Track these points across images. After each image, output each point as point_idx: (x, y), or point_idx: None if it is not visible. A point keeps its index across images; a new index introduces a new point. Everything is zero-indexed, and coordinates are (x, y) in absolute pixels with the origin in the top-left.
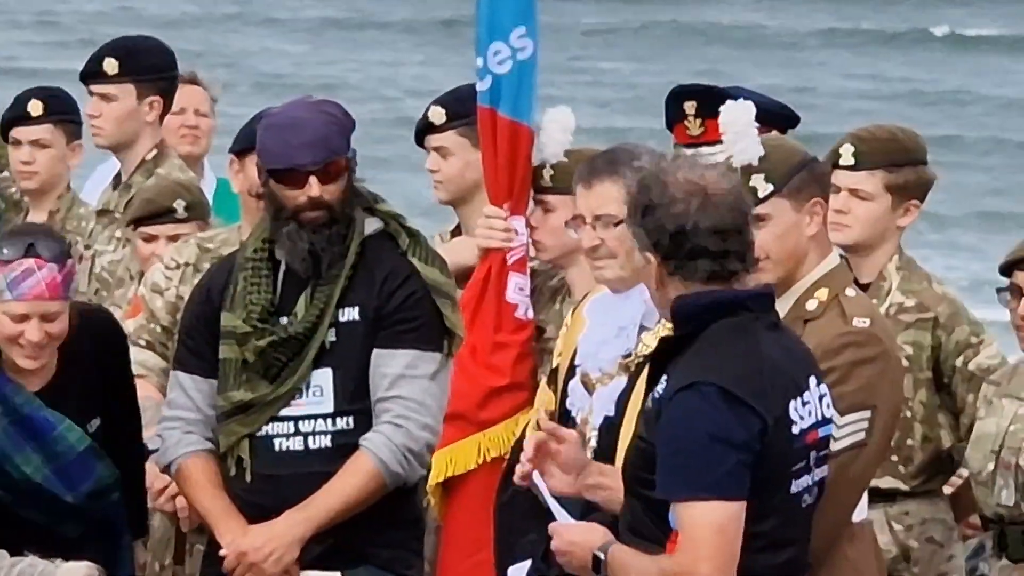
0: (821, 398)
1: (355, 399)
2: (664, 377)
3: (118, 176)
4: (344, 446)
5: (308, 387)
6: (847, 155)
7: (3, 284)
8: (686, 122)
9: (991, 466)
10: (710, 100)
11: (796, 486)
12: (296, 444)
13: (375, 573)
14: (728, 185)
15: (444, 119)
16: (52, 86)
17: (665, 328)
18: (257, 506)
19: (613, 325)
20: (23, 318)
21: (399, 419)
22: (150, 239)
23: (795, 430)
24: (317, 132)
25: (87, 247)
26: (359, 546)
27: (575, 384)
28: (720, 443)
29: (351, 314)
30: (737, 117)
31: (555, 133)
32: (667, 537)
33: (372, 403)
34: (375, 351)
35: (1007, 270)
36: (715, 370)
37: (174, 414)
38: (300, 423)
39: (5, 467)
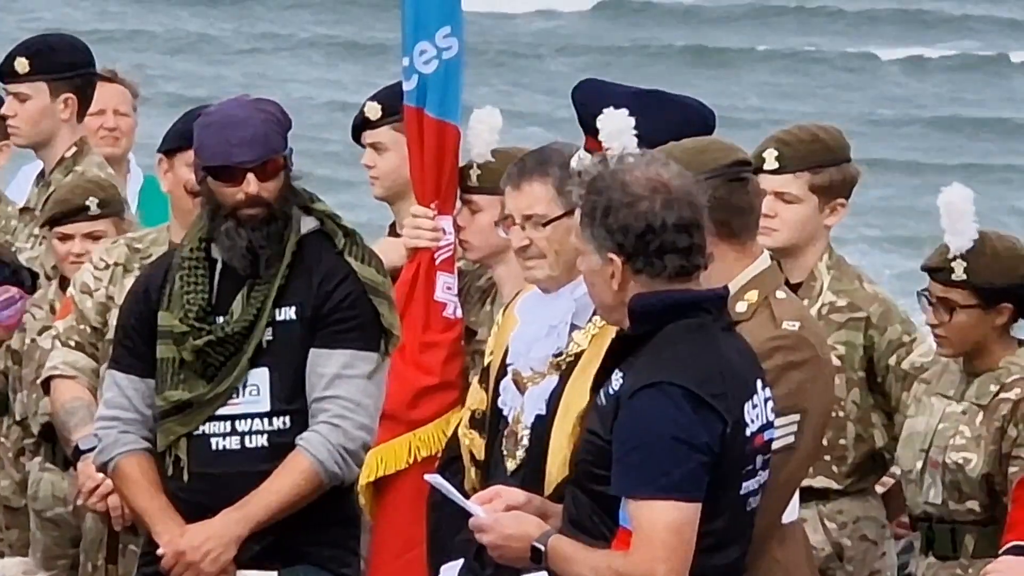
0: (766, 401)
1: (291, 399)
2: (618, 374)
3: (41, 174)
4: (281, 445)
5: (245, 386)
6: (771, 159)
7: None
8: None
9: (920, 465)
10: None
11: (744, 488)
12: (233, 443)
13: (312, 572)
14: (685, 181)
15: (380, 115)
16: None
17: (595, 327)
18: (195, 504)
19: (544, 324)
20: None
21: (336, 419)
22: (65, 238)
23: (747, 432)
24: (256, 130)
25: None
26: (296, 545)
27: (507, 383)
28: (682, 444)
29: (288, 313)
30: (612, 124)
31: (482, 133)
32: (612, 534)
33: (309, 402)
34: (312, 350)
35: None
36: (678, 370)
37: (111, 413)
38: (237, 422)
39: None
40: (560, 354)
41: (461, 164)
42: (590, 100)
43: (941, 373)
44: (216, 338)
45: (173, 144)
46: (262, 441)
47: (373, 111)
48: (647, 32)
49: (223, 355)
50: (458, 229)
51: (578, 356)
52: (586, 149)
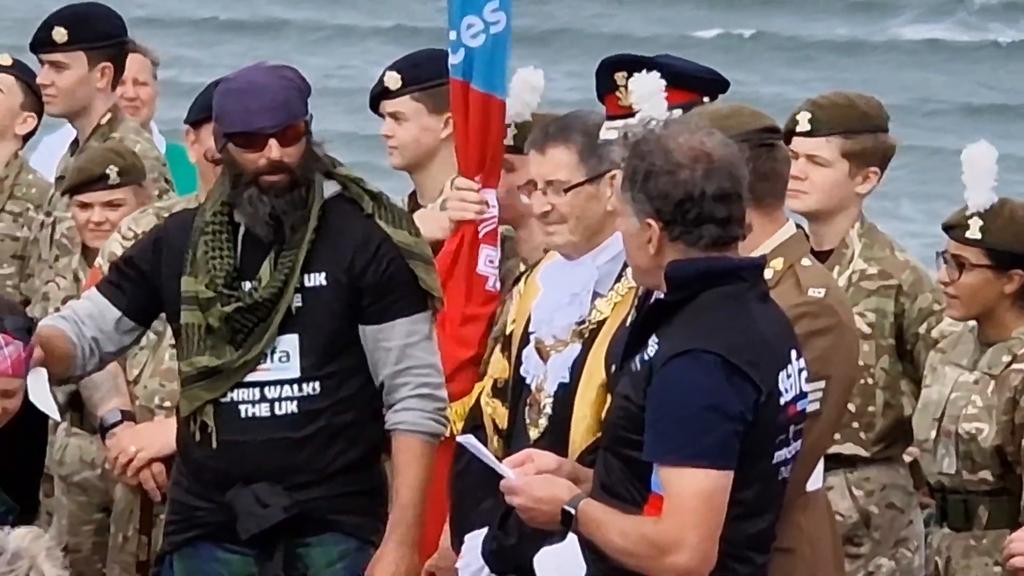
0: (800, 372)
1: (321, 365)
2: (654, 340)
3: (75, 143)
4: (310, 412)
5: (274, 352)
6: (804, 121)
7: None
8: (617, 92)
9: (933, 434)
10: (640, 70)
11: (776, 457)
12: (263, 410)
13: (340, 540)
14: (728, 151)
15: (400, 84)
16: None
17: (618, 295)
18: (224, 473)
19: (566, 292)
20: None
21: (421, 388)
22: (85, 207)
23: (781, 402)
24: (276, 96)
25: (48, 214)
26: (324, 514)
27: (529, 351)
28: (715, 412)
29: (317, 279)
30: (644, 87)
31: (523, 93)
32: (644, 499)
33: (382, 378)
34: (369, 328)
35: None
36: (714, 338)
37: (69, 312)
38: (266, 389)
39: None
40: (583, 322)
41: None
42: (608, 68)
43: (956, 342)
44: (245, 304)
45: (199, 115)
46: (292, 408)
47: (393, 80)
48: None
49: (251, 321)
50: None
51: (601, 324)
52: (609, 116)
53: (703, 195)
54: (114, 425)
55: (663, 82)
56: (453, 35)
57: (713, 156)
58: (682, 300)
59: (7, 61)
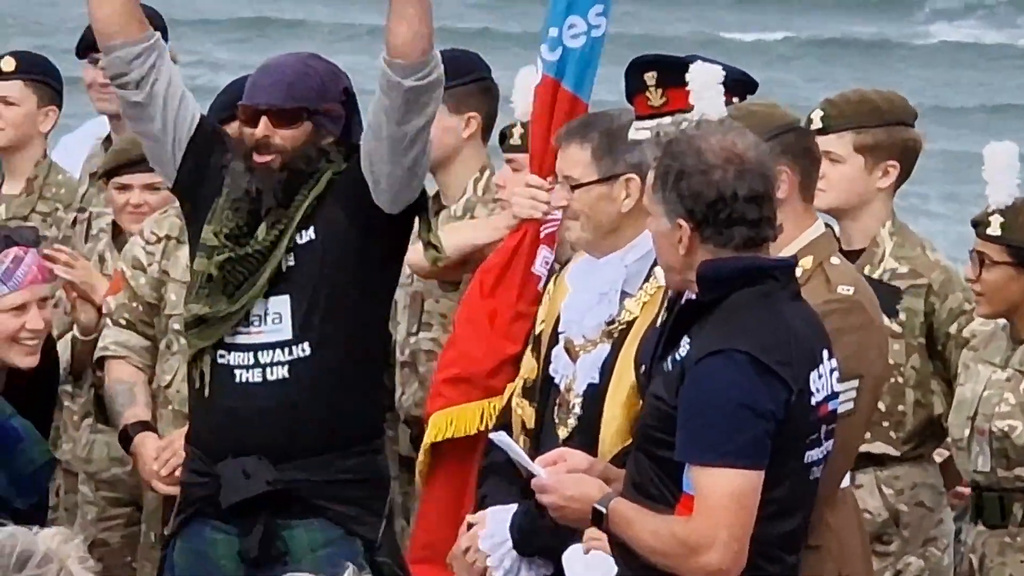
0: (831, 372)
1: (314, 325)
2: (685, 340)
3: (108, 139)
4: (301, 377)
5: (267, 314)
6: (816, 119)
7: None
8: (647, 93)
9: (967, 432)
10: (670, 70)
11: (808, 457)
12: (255, 376)
13: (327, 526)
14: (759, 152)
15: None
16: (33, 52)
17: (647, 294)
18: (216, 442)
19: (595, 291)
20: (22, 309)
21: None
22: (123, 188)
23: (812, 401)
24: (284, 76)
25: (82, 210)
26: (312, 497)
27: (558, 351)
28: (747, 411)
29: (307, 235)
30: (703, 77)
31: (526, 92)
32: (676, 499)
33: None
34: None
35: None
36: (745, 337)
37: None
38: (260, 353)
39: None
40: (612, 322)
41: (504, 124)
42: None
43: (989, 340)
44: (236, 256)
45: (223, 113)
46: (283, 372)
47: None
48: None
49: (242, 274)
50: (499, 188)
51: (630, 324)
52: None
53: (735, 196)
54: (137, 431)
55: (722, 73)
56: (554, 32)
57: (745, 157)
58: (714, 300)
59: (10, 66)
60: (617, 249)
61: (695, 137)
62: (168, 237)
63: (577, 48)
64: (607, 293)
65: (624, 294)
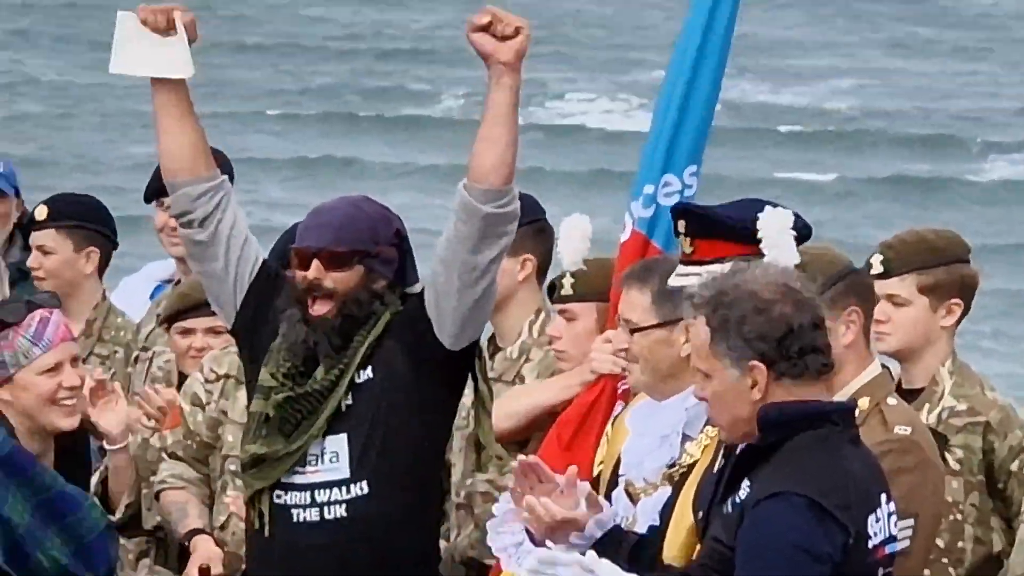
0: (890, 515)
1: (371, 464)
2: (746, 483)
3: (178, 284)
4: (358, 517)
5: (323, 454)
6: (876, 264)
7: (26, 344)
8: (680, 239)
9: None
10: (697, 220)
11: None
12: (312, 515)
13: None
14: (804, 283)
15: None
16: (73, 193)
17: (708, 437)
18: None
19: (656, 434)
20: (56, 369)
21: None
22: (186, 333)
23: (870, 545)
24: (334, 218)
25: (144, 348)
26: None
27: (619, 493)
28: (805, 554)
29: (366, 374)
30: (774, 223)
31: (574, 241)
32: None
33: None
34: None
35: None
36: (804, 481)
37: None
38: (316, 492)
39: (36, 555)
40: (673, 465)
41: (554, 275)
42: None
43: None
44: (295, 395)
45: (282, 256)
46: (340, 511)
47: None
48: None
49: (301, 413)
50: (553, 339)
51: (691, 467)
52: (682, 262)
53: (801, 326)
54: (196, 532)
55: (792, 218)
56: (649, 189)
57: (795, 288)
58: (774, 444)
59: (42, 215)
60: (678, 392)
61: (741, 283)
62: (228, 376)
63: (667, 207)
64: (668, 436)
65: (685, 437)
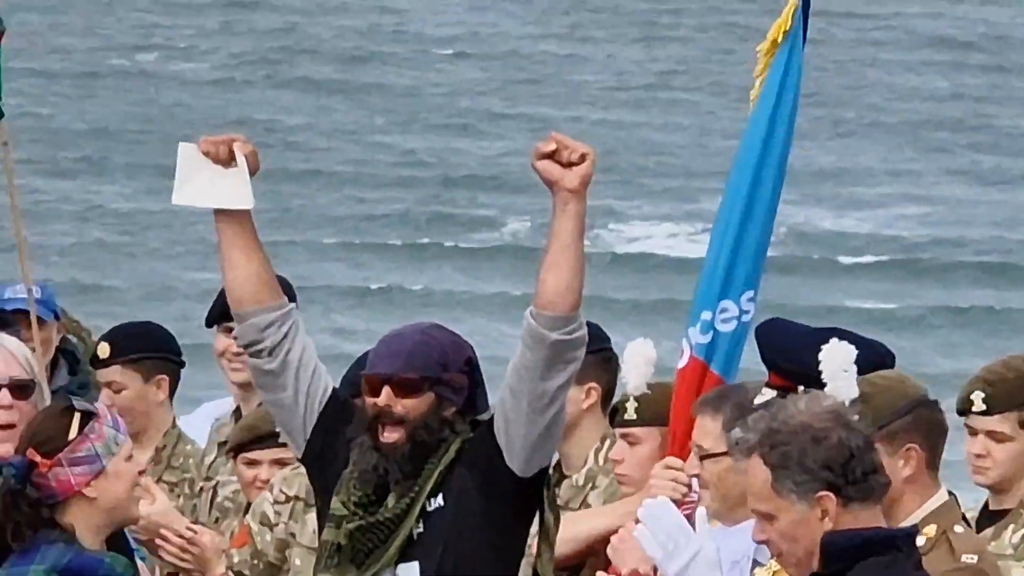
0: None
1: None
2: None
3: (238, 410)
4: None
5: None
6: (978, 401)
7: (111, 432)
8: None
9: None
10: (763, 351)
11: None
12: None
13: None
14: (843, 407)
15: None
16: (132, 323)
17: (776, 563)
18: None
19: (727, 559)
20: (131, 458)
21: None
22: (252, 464)
23: None
24: (405, 345)
25: (207, 479)
26: None
27: None
28: None
29: (437, 502)
30: (835, 357)
31: (638, 365)
32: None
33: None
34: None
35: None
36: None
37: None
38: None
39: None
40: None
41: (616, 399)
42: (775, 338)
43: None
44: (367, 524)
45: (353, 386)
46: None
47: None
48: None
49: (372, 543)
50: (615, 463)
51: None
52: (769, 385)
53: (859, 448)
54: None
55: (855, 353)
56: (707, 315)
57: (840, 413)
58: (838, 571)
59: (105, 352)
60: (748, 518)
61: (789, 417)
62: (297, 498)
63: (727, 332)
64: (739, 562)
65: (755, 563)
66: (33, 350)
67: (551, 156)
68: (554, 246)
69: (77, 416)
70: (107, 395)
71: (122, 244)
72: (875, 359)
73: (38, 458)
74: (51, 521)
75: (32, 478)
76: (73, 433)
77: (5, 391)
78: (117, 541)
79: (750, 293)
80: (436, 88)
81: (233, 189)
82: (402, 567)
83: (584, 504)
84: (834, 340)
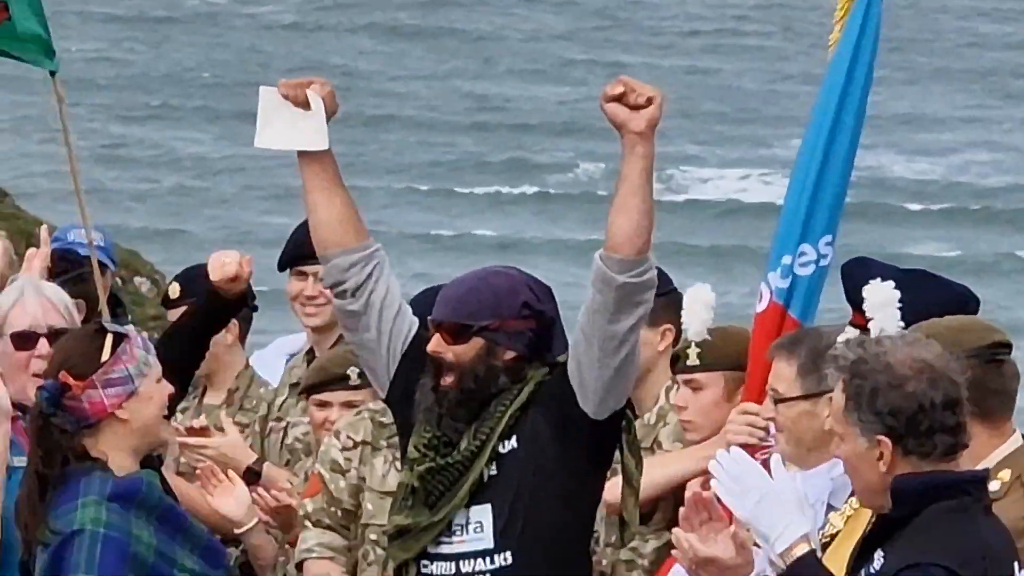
0: None
1: (515, 534)
2: (879, 555)
3: (311, 352)
4: None
5: (468, 523)
6: None
7: (142, 353)
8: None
9: None
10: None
11: None
12: None
13: None
14: (945, 360)
15: None
16: (203, 265)
17: (851, 508)
18: None
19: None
20: (161, 377)
21: None
22: (323, 405)
23: None
24: (456, 292)
25: (279, 419)
26: None
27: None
28: None
29: (510, 444)
30: (878, 293)
31: (698, 312)
32: None
33: None
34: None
35: None
36: (941, 552)
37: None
38: (462, 562)
39: (177, 574)
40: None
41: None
42: (857, 276)
43: None
44: (436, 466)
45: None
46: None
47: None
48: None
49: (443, 484)
50: (680, 409)
51: (834, 536)
52: (852, 324)
53: (933, 405)
54: None
55: (897, 293)
56: (787, 259)
57: (934, 366)
58: (908, 515)
59: (176, 292)
60: (822, 463)
61: (880, 353)
62: (364, 443)
63: (805, 276)
64: (813, 506)
65: (830, 507)
66: (98, 297)
67: (619, 99)
68: (623, 189)
69: (109, 338)
70: None
71: (197, 189)
72: (958, 303)
73: (71, 380)
74: (81, 450)
75: (64, 401)
76: (106, 355)
77: (44, 340)
78: (147, 461)
79: (828, 237)
80: (510, 34)
81: (310, 132)
82: (475, 509)
83: (656, 443)
84: (877, 279)
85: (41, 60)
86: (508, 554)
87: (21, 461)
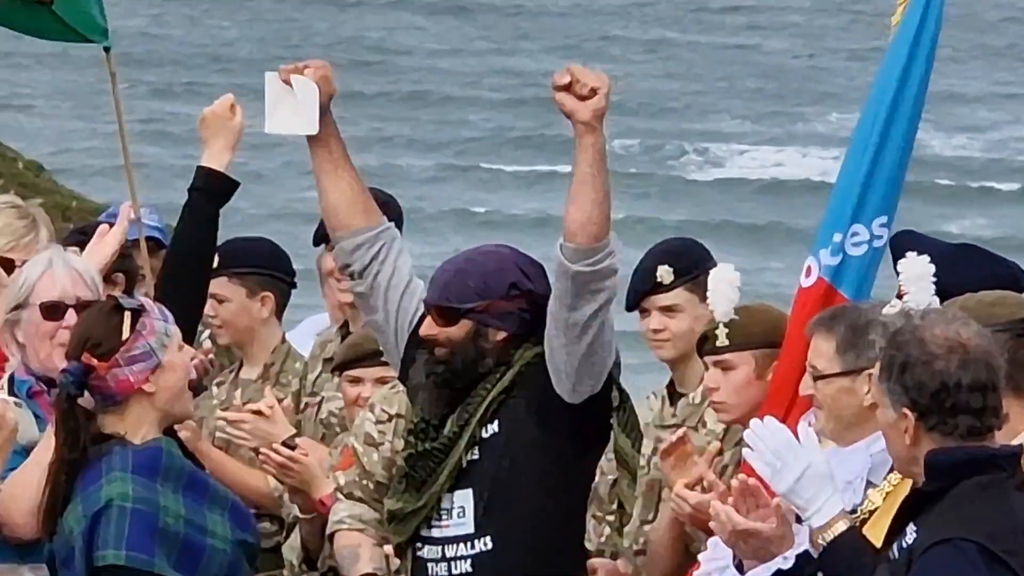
0: None
1: (495, 519)
2: (911, 529)
3: (344, 326)
4: (482, 571)
5: (452, 508)
6: None
7: (161, 324)
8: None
9: None
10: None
11: None
12: (442, 570)
13: None
14: (984, 342)
15: (672, 277)
16: (245, 238)
17: (890, 484)
18: None
19: (840, 479)
20: (182, 347)
21: None
22: (355, 381)
23: None
24: (445, 274)
25: (313, 394)
26: None
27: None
28: None
29: (492, 428)
30: (914, 269)
31: (724, 292)
32: None
33: None
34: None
35: None
36: (973, 527)
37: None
38: (446, 547)
39: (206, 544)
40: (854, 511)
41: (705, 328)
42: (906, 248)
43: None
44: (421, 450)
45: None
46: (466, 567)
47: (666, 274)
48: None
49: (427, 469)
50: (711, 391)
51: (872, 513)
52: (900, 296)
53: (958, 385)
54: None
55: (932, 267)
56: (838, 237)
57: (969, 347)
58: (941, 489)
59: (215, 263)
60: (861, 439)
61: (919, 327)
62: (398, 416)
63: (857, 256)
64: (852, 482)
65: (869, 483)
66: (143, 277)
67: (567, 88)
68: (575, 179)
69: (127, 314)
70: (211, 306)
71: (236, 165)
72: (1010, 278)
73: (95, 362)
74: (98, 431)
75: (89, 382)
76: (126, 332)
77: (72, 312)
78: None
79: (883, 219)
80: (546, 9)
81: (306, 116)
82: (458, 494)
83: (701, 422)
84: (913, 253)
85: (95, 37)
86: (488, 539)
87: (41, 437)
